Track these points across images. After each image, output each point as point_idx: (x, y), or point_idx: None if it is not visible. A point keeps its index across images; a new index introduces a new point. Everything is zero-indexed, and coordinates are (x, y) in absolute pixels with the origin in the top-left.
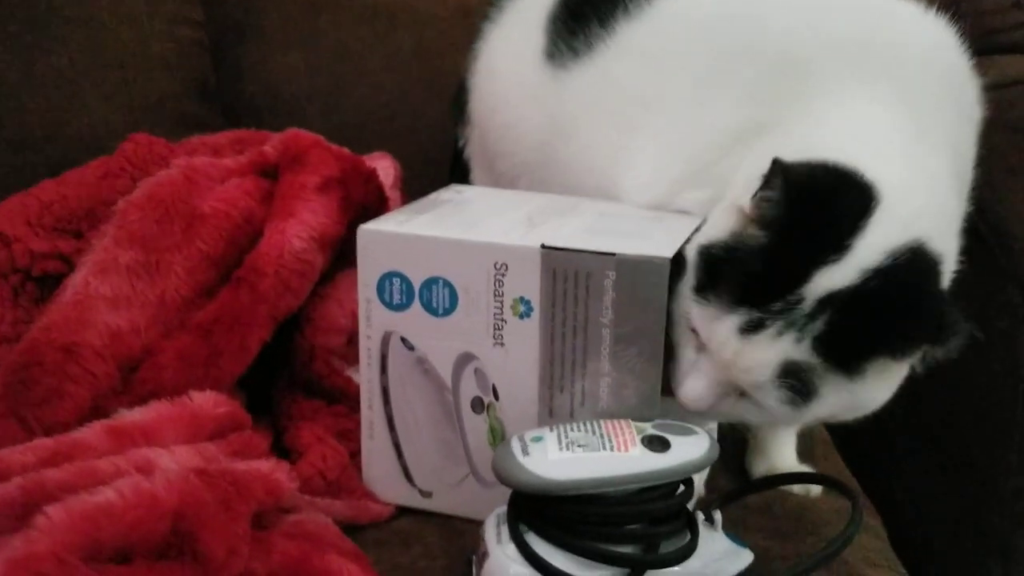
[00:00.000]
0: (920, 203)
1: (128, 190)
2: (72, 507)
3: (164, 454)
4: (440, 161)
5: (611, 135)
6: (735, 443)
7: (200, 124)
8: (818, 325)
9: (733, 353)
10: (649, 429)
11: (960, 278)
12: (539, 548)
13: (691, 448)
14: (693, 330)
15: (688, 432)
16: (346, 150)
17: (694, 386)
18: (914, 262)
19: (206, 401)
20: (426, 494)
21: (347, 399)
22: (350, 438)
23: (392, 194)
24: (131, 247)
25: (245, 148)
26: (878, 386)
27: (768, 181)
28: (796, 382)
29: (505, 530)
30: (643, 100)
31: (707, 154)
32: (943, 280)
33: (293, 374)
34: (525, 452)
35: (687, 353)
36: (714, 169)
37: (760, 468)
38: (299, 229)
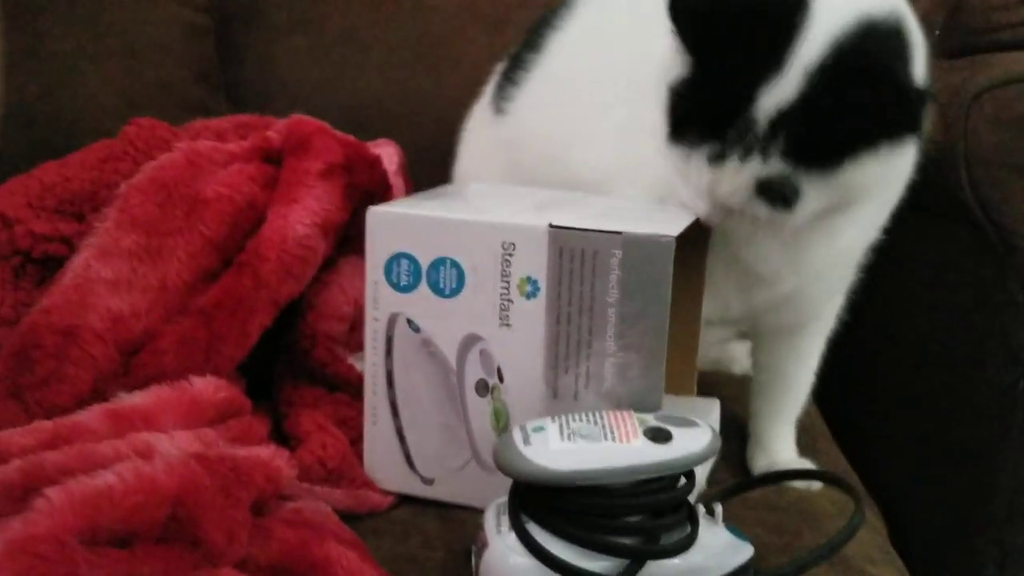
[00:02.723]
0: None
1: (131, 173)
2: (72, 490)
3: (164, 439)
4: (443, 149)
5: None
6: (737, 437)
7: (203, 109)
8: (779, 141)
9: (707, 184)
10: (651, 420)
11: (962, 275)
12: (540, 538)
13: (693, 440)
14: None
15: (690, 424)
16: (350, 136)
17: (699, 205)
18: (861, 45)
19: (206, 386)
20: (428, 481)
21: (348, 387)
22: (351, 426)
23: (395, 180)
24: (133, 230)
25: (249, 133)
26: (861, 173)
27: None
28: (776, 193)
29: (505, 520)
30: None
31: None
32: (907, 40)
33: (294, 361)
34: (527, 442)
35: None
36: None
37: (761, 462)
38: (302, 215)
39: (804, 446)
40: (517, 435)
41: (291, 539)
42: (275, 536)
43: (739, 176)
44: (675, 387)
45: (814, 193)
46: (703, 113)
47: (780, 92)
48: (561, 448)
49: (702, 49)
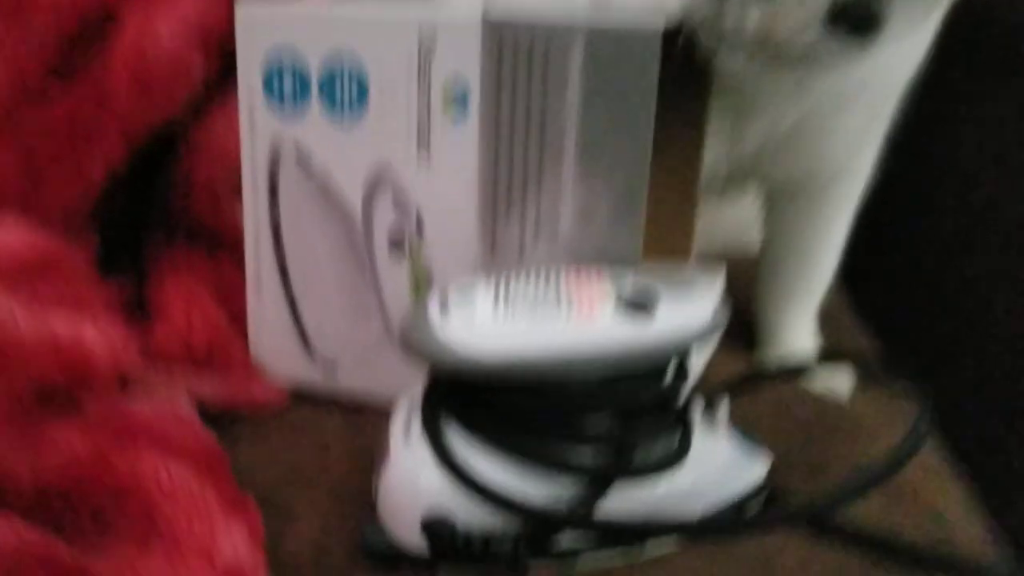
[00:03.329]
0: None
1: None
2: None
3: None
4: None
5: None
6: (745, 330)
7: None
8: None
9: (761, 23)
10: (628, 284)
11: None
12: (462, 449)
13: (686, 312)
14: None
15: (683, 287)
16: None
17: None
18: None
19: (5, 236)
20: (329, 364)
21: (237, 247)
22: (236, 296)
23: None
24: None
25: None
26: None
27: None
28: (855, 19)
29: (417, 424)
30: None
31: None
32: None
33: (168, 214)
34: (444, 313)
35: None
36: None
37: (771, 359)
38: (170, 18)
39: (828, 340)
40: (432, 303)
41: (80, 451)
42: (56, 447)
43: (806, 4)
44: (665, 251)
45: (903, 10)
46: None
47: None
48: (493, 323)
49: None
